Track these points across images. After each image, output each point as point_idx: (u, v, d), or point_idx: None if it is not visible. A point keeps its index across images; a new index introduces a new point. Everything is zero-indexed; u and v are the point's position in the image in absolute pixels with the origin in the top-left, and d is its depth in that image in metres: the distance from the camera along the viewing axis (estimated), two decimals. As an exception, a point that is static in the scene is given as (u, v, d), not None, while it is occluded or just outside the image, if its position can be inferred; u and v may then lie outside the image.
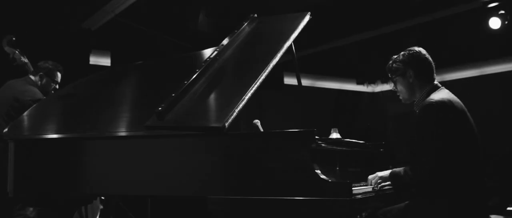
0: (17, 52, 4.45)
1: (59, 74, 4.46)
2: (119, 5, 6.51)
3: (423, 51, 2.92)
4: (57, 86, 4.46)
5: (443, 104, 2.70)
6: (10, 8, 6.09)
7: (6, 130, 3.42)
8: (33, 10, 6.27)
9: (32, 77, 4.39)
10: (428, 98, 2.78)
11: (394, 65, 2.94)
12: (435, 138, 2.63)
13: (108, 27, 6.98)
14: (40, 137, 3.33)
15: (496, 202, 5.35)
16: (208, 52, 3.41)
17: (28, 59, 4.50)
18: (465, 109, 2.81)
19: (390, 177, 2.81)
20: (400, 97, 2.99)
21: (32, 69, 4.45)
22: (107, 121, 3.20)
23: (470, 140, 2.74)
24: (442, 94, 2.79)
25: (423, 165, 2.65)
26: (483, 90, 8.07)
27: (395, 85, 2.98)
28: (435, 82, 2.90)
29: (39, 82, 4.36)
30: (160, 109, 2.77)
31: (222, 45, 3.32)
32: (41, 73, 4.37)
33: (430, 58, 2.91)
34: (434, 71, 2.93)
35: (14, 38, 4.47)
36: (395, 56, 2.95)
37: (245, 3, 6.76)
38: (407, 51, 2.92)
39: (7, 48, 4.46)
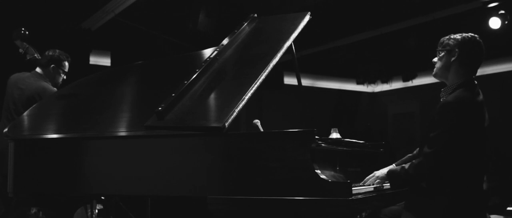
0: (30, 47, 4.31)
1: (67, 64, 4.29)
2: (119, 5, 6.52)
3: (481, 43, 2.82)
4: (65, 77, 4.30)
5: (466, 106, 2.66)
6: (10, 8, 6.10)
7: (6, 129, 3.42)
8: (33, 10, 6.28)
9: (39, 70, 4.21)
10: (454, 94, 2.72)
11: (447, 41, 2.84)
12: (446, 137, 2.61)
13: (108, 27, 6.99)
14: (40, 136, 3.33)
15: (496, 202, 5.34)
16: (208, 52, 3.41)
17: (38, 54, 4.34)
18: (486, 113, 2.76)
19: (388, 176, 2.81)
20: (433, 71, 2.90)
21: (43, 64, 4.28)
22: (107, 120, 3.20)
23: (479, 146, 2.71)
24: (471, 95, 2.72)
25: (416, 164, 2.65)
26: (483, 90, 8.06)
27: (437, 57, 2.88)
28: (473, 76, 2.82)
29: (50, 74, 4.19)
30: (160, 108, 2.77)
31: (222, 45, 3.32)
32: (53, 65, 4.19)
33: (482, 52, 2.82)
34: (479, 65, 2.83)
35: (27, 32, 4.35)
36: (453, 34, 2.86)
37: (245, 3, 6.77)
38: (466, 34, 2.83)
39: (18, 42, 4.32)
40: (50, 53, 4.25)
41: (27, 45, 4.31)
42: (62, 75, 4.28)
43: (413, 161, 2.72)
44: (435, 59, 2.90)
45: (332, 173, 2.97)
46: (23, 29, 4.33)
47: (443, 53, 2.84)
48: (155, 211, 5.36)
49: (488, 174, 2.80)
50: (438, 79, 2.91)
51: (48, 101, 3.84)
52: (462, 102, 2.67)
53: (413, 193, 2.81)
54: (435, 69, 2.89)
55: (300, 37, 3.32)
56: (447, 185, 2.66)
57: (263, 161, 2.59)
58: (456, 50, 2.79)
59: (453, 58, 2.79)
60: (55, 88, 4.15)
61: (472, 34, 2.84)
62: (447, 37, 2.86)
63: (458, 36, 2.83)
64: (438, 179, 2.66)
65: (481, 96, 2.78)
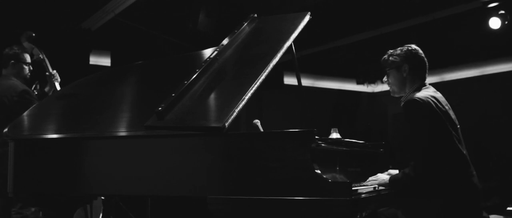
0: (35, 48, 4.39)
1: (27, 56, 4.32)
2: (119, 5, 6.51)
3: (420, 50, 3.02)
4: (31, 68, 4.35)
5: (425, 101, 2.77)
6: (10, 8, 6.10)
7: (6, 129, 3.42)
8: (33, 10, 6.28)
9: (4, 71, 4.27)
10: (412, 95, 2.86)
11: (390, 58, 3.01)
12: (420, 136, 2.71)
13: (108, 27, 6.99)
14: (40, 136, 3.33)
15: (496, 202, 5.35)
16: (208, 52, 3.41)
17: (44, 55, 4.42)
18: (449, 108, 2.89)
19: (390, 183, 2.84)
20: (390, 90, 3.08)
21: (49, 66, 4.38)
22: (107, 120, 3.20)
23: (450, 139, 2.77)
24: (427, 92, 2.86)
25: (413, 165, 2.70)
26: (483, 90, 8.08)
27: (387, 77, 3.06)
28: (426, 81, 3.00)
29: (13, 70, 4.24)
30: (160, 108, 2.77)
31: (222, 45, 3.32)
32: (12, 61, 4.24)
33: (425, 59, 3.02)
34: (427, 71, 3.03)
35: (33, 35, 4.41)
36: (392, 51, 3.04)
37: (245, 3, 6.77)
38: (406, 47, 3.01)
39: (26, 44, 4.39)
40: (6, 50, 4.30)
41: (34, 46, 4.39)
42: (26, 67, 4.32)
43: (408, 168, 2.76)
44: (385, 79, 3.06)
45: (332, 173, 2.97)
46: (31, 32, 4.40)
47: (392, 71, 3.00)
48: (155, 211, 5.36)
49: (489, 173, 2.82)
50: (397, 96, 3.06)
51: (48, 101, 3.84)
52: (423, 97, 2.79)
53: (410, 196, 2.83)
54: (391, 89, 3.06)
55: (300, 37, 3.32)
56: (435, 187, 2.71)
57: (263, 161, 2.59)
58: (406, 64, 2.96)
59: (404, 73, 2.97)
60: (20, 84, 4.17)
61: (410, 46, 3.00)
62: (387, 56, 3.03)
63: (400, 52, 2.99)
64: (429, 182, 2.69)
65: (439, 94, 2.93)
